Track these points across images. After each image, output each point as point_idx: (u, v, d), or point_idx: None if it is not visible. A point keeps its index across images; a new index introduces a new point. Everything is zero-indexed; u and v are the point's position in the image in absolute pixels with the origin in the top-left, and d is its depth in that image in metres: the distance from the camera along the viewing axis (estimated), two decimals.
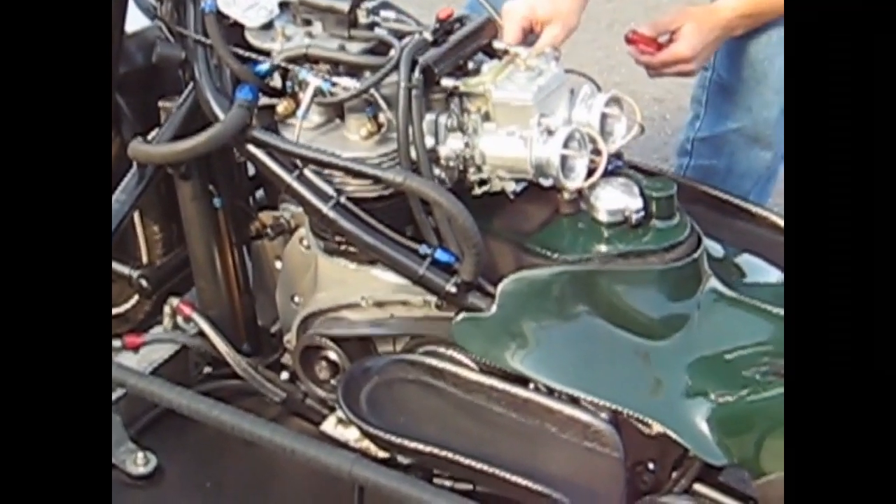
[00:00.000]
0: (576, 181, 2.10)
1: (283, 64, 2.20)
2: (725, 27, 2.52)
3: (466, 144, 2.13)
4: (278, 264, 2.45)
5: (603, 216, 2.12)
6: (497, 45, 2.22)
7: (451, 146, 2.14)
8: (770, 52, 2.68)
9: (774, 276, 2.21)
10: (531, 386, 2.11)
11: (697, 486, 2.12)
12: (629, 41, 2.53)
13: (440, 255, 2.10)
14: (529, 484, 2.00)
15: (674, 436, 1.98)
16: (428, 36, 2.16)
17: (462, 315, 2.09)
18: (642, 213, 2.11)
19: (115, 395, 2.40)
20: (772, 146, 2.82)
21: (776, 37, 2.65)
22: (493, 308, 2.06)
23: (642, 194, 2.12)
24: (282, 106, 2.22)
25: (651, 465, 2.12)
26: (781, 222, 2.30)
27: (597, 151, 2.11)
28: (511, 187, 2.16)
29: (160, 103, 2.40)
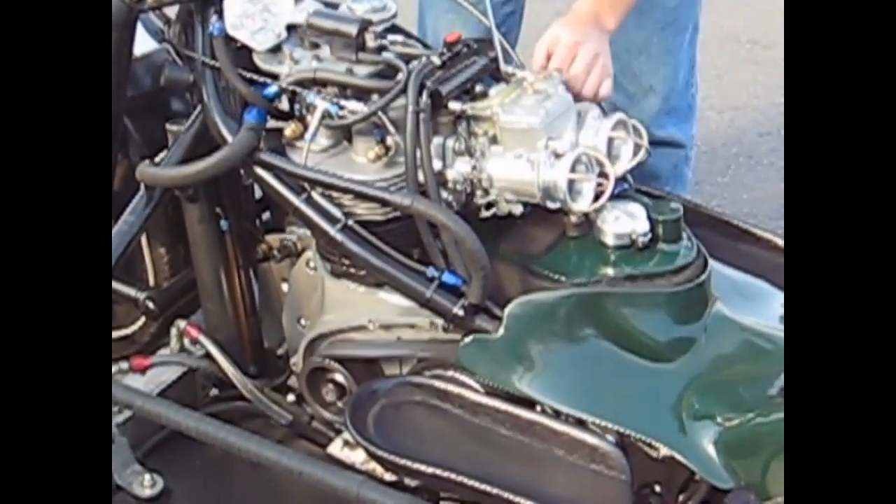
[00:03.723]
0: (583, 204, 2.11)
1: (290, 87, 2.21)
2: (589, 17, 2.42)
3: (474, 167, 2.14)
4: (285, 287, 2.45)
5: (610, 239, 2.13)
6: (505, 68, 2.23)
7: (459, 169, 2.15)
8: (628, 58, 2.86)
9: (779, 299, 2.21)
10: (538, 408, 2.11)
11: None
12: None
13: (447, 277, 2.11)
14: None
15: (681, 458, 1.99)
16: (436, 59, 2.17)
17: (469, 338, 2.10)
18: (649, 236, 2.12)
19: (122, 417, 2.40)
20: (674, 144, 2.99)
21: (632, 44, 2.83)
22: (500, 331, 2.07)
23: (649, 217, 2.13)
24: (289, 129, 2.23)
25: (658, 488, 2.12)
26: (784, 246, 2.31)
27: (604, 175, 2.12)
28: (518, 210, 2.17)
29: (168, 126, 2.40)
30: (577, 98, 2.26)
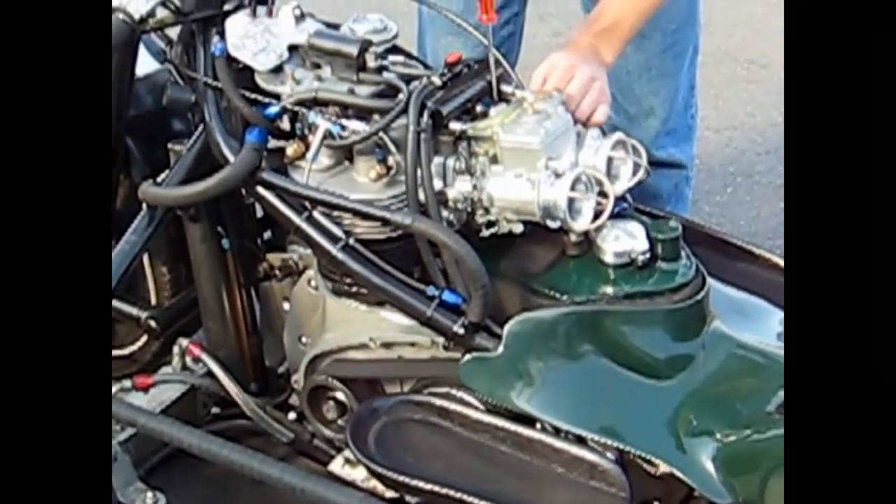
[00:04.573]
0: (583, 223, 2.12)
1: (292, 107, 2.23)
2: (587, 48, 2.41)
3: (474, 187, 2.16)
4: (286, 305, 2.47)
5: (609, 258, 2.14)
6: (505, 88, 2.25)
7: (459, 189, 2.16)
8: (628, 80, 2.90)
9: (777, 317, 2.23)
10: (538, 426, 2.12)
11: None
12: None
13: (448, 296, 2.12)
14: None
15: (680, 475, 1.99)
16: (436, 80, 2.19)
17: (469, 355, 2.10)
18: (648, 255, 2.13)
19: (124, 435, 2.41)
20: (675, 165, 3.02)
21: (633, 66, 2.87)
22: (500, 348, 2.07)
23: (648, 236, 2.14)
24: (291, 149, 2.24)
25: None
26: (783, 264, 2.32)
27: (603, 194, 2.14)
28: (518, 229, 2.18)
29: (170, 146, 2.42)
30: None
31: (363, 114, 2.20)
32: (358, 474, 2.30)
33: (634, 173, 2.22)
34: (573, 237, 2.17)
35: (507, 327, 2.08)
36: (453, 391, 2.21)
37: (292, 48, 2.30)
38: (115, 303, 2.49)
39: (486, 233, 2.20)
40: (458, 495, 2.06)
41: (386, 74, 2.24)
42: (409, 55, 2.40)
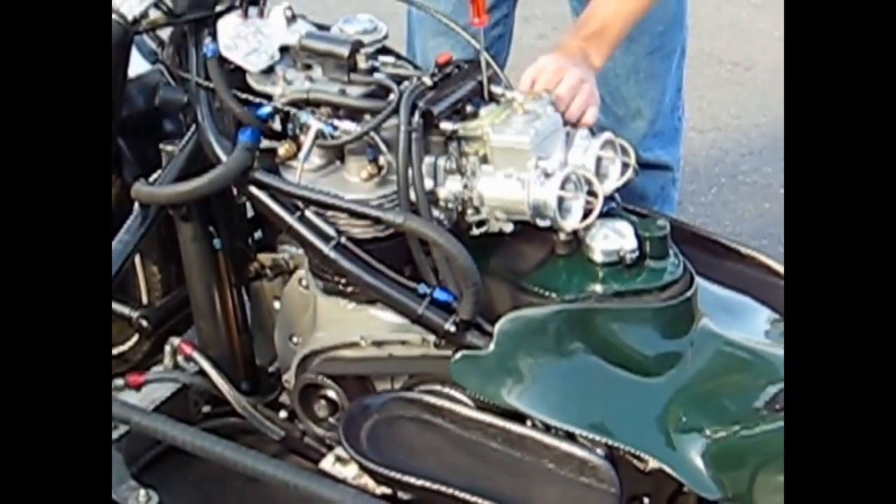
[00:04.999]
0: (572, 222, 2.14)
1: (284, 107, 2.24)
2: (576, 52, 2.43)
3: (465, 186, 2.17)
4: (277, 304, 2.48)
5: (598, 256, 2.15)
6: (495, 89, 2.26)
7: (450, 188, 2.18)
8: (616, 82, 2.92)
9: (763, 314, 2.25)
10: (528, 423, 2.14)
11: None
12: None
13: (439, 294, 2.14)
14: None
15: (669, 471, 2.01)
16: (427, 80, 2.20)
17: (460, 353, 2.12)
18: (637, 254, 2.15)
19: (117, 433, 2.42)
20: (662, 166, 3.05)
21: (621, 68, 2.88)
22: (491, 346, 2.09)
23: (636, 235, 2.16)
24: (283, 149, 2.26)
25: (647, 501, 2.15)
26: (770, 262, 2.34)
27: (592, 193, 2.15)
28: (509, 228, 2.19)
29: (162, 146, 2.43)
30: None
31: (354, 114, 2.21)
32: (349, 472, 2.31)
33: (623, 173, 2.24)
34: (563, 236, 2.18)
35: (497, 325, 2.09)
36: (444, 388, 2.23)
37: (284, 49, 2.32)
38: None
39: (476, 232, 2.22)
40: (450, 491, 2.08)
41: (377, 75, 2.26)
42: (399, 56, 2.41)
